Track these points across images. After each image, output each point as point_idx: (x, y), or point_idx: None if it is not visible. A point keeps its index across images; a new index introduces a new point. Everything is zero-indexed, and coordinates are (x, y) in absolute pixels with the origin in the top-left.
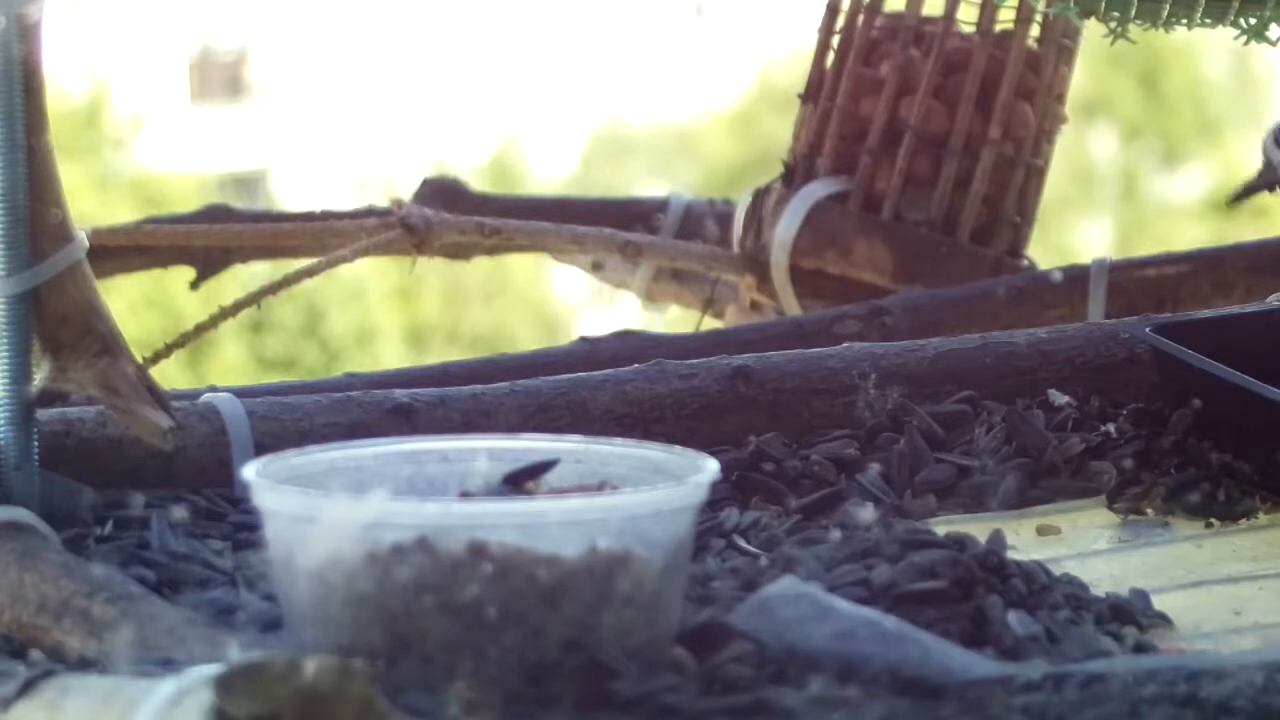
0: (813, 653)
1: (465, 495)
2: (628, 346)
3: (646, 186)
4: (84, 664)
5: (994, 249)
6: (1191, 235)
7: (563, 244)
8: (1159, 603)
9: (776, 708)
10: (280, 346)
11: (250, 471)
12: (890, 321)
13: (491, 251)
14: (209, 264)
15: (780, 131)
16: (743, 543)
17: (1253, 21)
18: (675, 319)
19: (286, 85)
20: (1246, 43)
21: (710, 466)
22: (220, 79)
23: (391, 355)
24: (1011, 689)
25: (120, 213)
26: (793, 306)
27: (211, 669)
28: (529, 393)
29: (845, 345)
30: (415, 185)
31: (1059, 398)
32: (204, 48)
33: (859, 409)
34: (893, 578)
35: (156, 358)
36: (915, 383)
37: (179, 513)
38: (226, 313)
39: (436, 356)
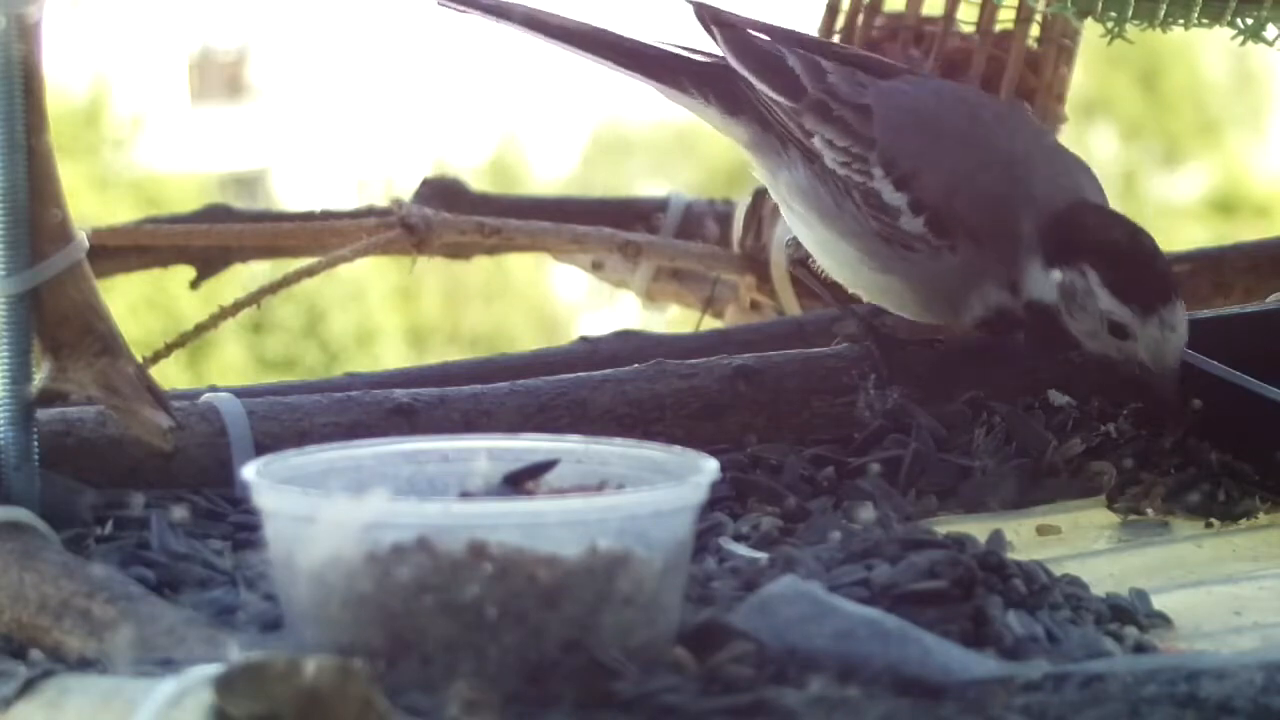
0: (813, 653)
1: (465, 495)
2: (628, 346)
3: (646, 186)
4: (84, 664)
5: None
6: (1191, 235)
7: (563, 244)
8: (1159, 603)
9: (776, 708)
10: (280, 346)
11: (250, 471)
12: (890, 321)
13: (491, 251)
14: (209, 264)
15: None
16: (742, 544)
17: (1249, 21)
18: (675, 319)
19: (286, 85)
20: (1244, 43)
21: (710, 466)
22: (220, 79)
23: (391, 355)
24: (1011, 689)
25: (120, 213)
26: (793, 306)
27: (211, 669)
28: (529, 393)
29: (845, 345)
30: (415, 185)
31: (1059, 398)
32: (204, 48)
33: (859, 409)
34: (893, 578)
35: (156, 358)
36: (915, 383)
37: (179, 513)
38: (226, 313)
39: (436, 356)
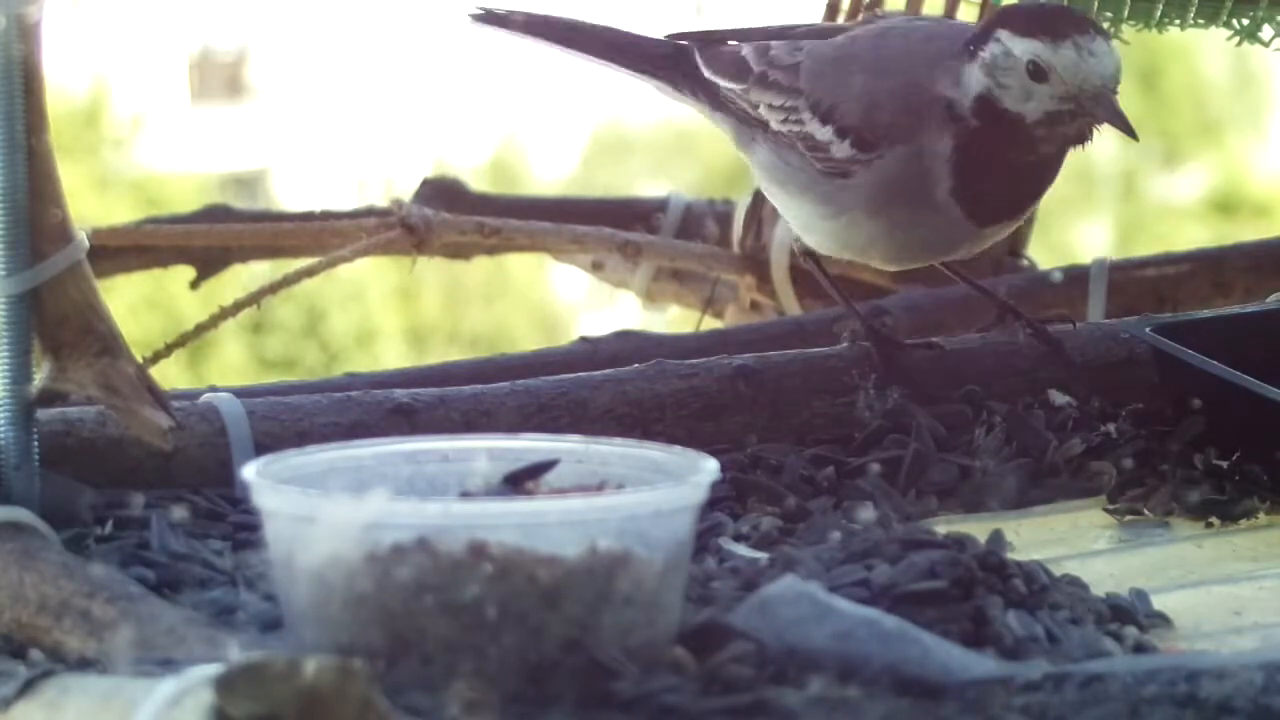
0: (813, 653)
1: (465, 495)
2: (628, 346)
3: (646, 186)
4: (84, 664)
5: (994, 249)
6: (1191, 235)
7: (563, 244)
8: (1159, 603)
9: (776, 708)
10: (280, 346)
11: (250, 471)
12: (890, 321)
13: (491, 251)
14: (209, 264)
15: None
16: (742, 544)
17: (1245, 22)
18: (675, 319)
19: (286, 85)
20: (1239, 43)
21: (710, 466)
22: (220, 79)
23: (391, 355)
24: (1011, 689)
25: (120, 213)
26: (793, 306)
27: (211, 669)
28: (529, 393)
29: (845, 345)
30: (415, 185)
31: (1059, 398)
32: (204, 48)
33: (859, 409)
34: (893, 578)
35: (156, 358)
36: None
37: (179, 513)
38: (226, 313)
39: (436, 356)
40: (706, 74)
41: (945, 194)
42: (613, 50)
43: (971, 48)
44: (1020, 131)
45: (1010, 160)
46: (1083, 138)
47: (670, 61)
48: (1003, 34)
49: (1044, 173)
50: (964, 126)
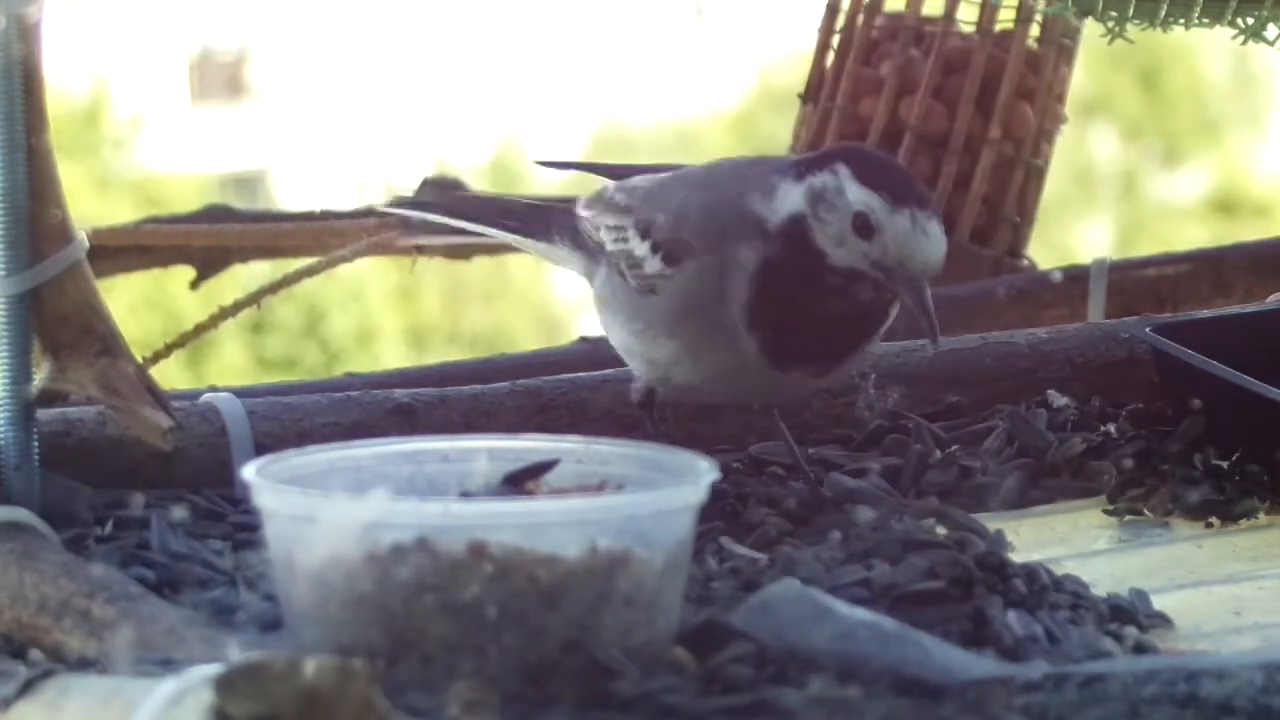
0: (813, 653)
1: (465, 495)
2: None
3: None
4: (84, 664)
5: (994, 249)
6: (1191, 235)
7: None
8: (1159, 603)
9: (776, 708)
10: (280, 346)
11: (250, 471)
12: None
13: (491, 251)
14: (209, 264)
15: (780, 131)
16: (741, 544)
17: (1250, 21)
18: None
19: (286, 85)
20: (1244, 42)
21: (710, 467)
22: (220, 79)
23: (391, 355)
24: (1011, 689)
25: (120, 213)
26: None
27: (211, 669)
28: (529, 393)
29: None
30: (415, 185)
31: (1058, 399)
32: (204, 48)
33: (859, 409)
34: (893, 578)
35: (156, 358)
36: (915, 383)
37: (179, 513)
38: (226, 313)
39: (436, 356)
40: (578, 207)
41: (739, 313)
42: (479, 213)
43: (801, 168)
44: (818, 269)
45: (808, 302)
46: (881, 301)
47: (536, 213)
48: (842, 170)
49: (846, 330)
50: (770, 244)
